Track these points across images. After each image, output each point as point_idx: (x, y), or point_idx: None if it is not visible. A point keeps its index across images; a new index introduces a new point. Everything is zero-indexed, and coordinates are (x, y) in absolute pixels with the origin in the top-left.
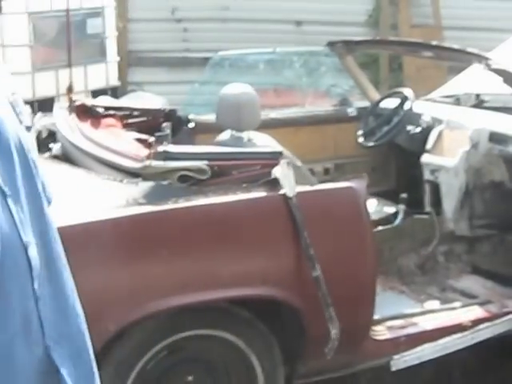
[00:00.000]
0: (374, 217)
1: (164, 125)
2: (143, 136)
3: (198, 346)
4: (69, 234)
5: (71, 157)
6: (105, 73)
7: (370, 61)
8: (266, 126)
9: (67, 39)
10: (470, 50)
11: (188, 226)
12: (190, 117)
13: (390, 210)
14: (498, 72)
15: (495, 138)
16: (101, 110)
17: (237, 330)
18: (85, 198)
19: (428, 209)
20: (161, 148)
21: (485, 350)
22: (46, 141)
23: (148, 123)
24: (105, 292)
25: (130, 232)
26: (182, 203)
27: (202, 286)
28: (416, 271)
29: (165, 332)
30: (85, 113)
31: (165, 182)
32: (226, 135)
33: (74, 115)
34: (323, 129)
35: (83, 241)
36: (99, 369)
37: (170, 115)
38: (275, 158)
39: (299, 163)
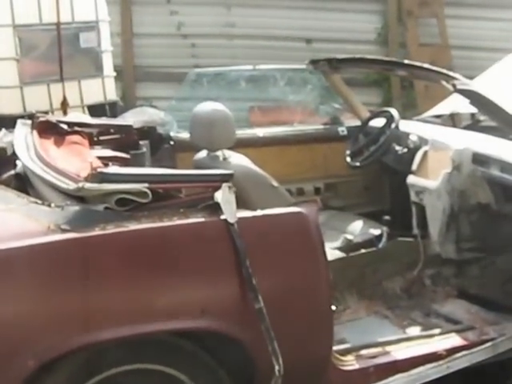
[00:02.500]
0: (357, 239)
1: (141, 142)
2: (117, 154)
3: (137, 381)
4: None
5: (28, 176)
6: (101, 87)
7: (382, 79)
8: (253, 144)
9: (58, 53)
10: (437, 68)
11: (117, 253)
12: (172, 135)
13: (375, 232)
14: (464, 93)
15: (478, 159)
16: (65, 127)
17: (179, 364)
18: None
19: (415, 231)
20: (99, 169)
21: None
22: (11, 158)
23: (122, 140)
24: (23, 324)
25: (49, 260)
26: (110, 229)
27: (134, 318)
28: (401, 295)
29: (96, 367)
30: (49, 130)
31: (97, 207)
32: (202, 154)
33: (35, 132)
34: (313, 147)
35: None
36: None
37: (149, 132)
38: (224, 180)
39: (275, 183)
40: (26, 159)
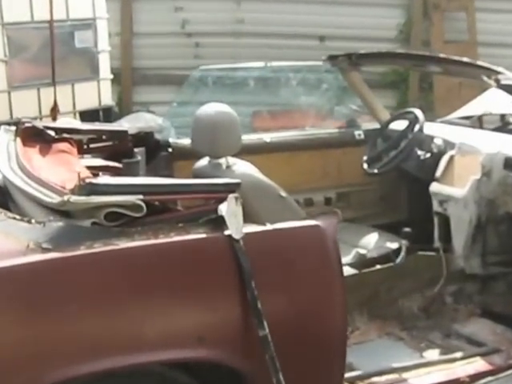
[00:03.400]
0: (372, 254)
1: (137, 150)
2: (109, 163)
3: None
4: None
5: (8, 188)
6: (96, 92)
7: (399, 80)
8: (260, 150)
9: (51, 54)
10: (478, 62)
11: (104, 275)
12: (170, 141)
13: (393, 245)
14: (508, 89)
15: (511, 164)
16: (52, 134)
17: None
18: None
19: (437, 244)
20: (88, 179)
21: None
22: None
23: (115, 148)
24: None
25: (26, 283)
26: (97, 248)
27: (123, 348)
28: (419, 314)
29: None
30: (35, 137)
31: (83, 222)
32: (203, 162)
33: (18, 139)
34: (326, 153)
35: None
36: None
37: (145, 139)
38: (231, 190)
39: (283, 194)
40: (6, 170)
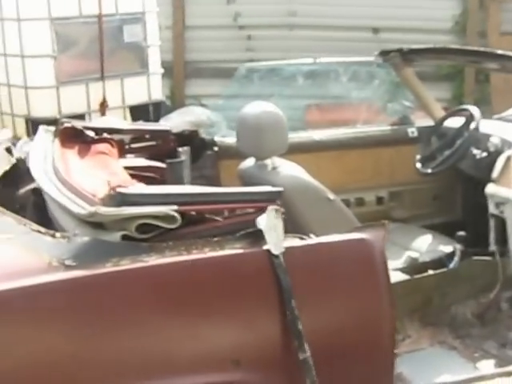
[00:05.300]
0: (424, 258)
1: (181, 149)
2: (151, 163)
3: None
4: None
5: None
6: (146, 86)
7: (454, 72)
8: (308, 148)
9: (100, 48)
10: None
11: (132, 295)
12: (216, 139)
13: (446, 249)
14: None
15: None
16: (92, 134)
17: None
18: None
19: (493, 248)
20: (118, 189)
21: None
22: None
23: (159, 147)
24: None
25: (46, 305)
26: (125, 265)
27: (151, 372)
28: (473, 322)
29: None
30: (74, 137)
31: (111, 236)
32: (249, 162)
33: (57, 140)
34: (378, 152)
35: None
36: None
37: (190, 138)
38: (271, 200)
39: (332, 196)
40: (39, 174)
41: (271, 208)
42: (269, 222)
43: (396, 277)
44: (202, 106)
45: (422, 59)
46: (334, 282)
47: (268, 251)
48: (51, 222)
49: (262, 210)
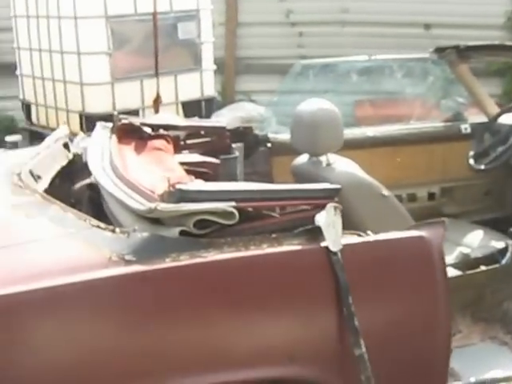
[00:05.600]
0: (476, 253)
1: (235, 145)
2: (206, 159)
3: None
4: (21, 303)
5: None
6: (199, 82)
7: (505, 68)
8: (361, 145)
9: (154, 46)
10: None
11: (191, 289)
12: (270, 136)
13: (498, 245)
14: None
15: None
16: (148, 130)
17: None
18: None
19: None
20: (178, 185)
21: None
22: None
23: (213, 144)
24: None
25: (106, 299)
26: (184, 260)
27: (209, 366)
28: None
29: None
30: (130, 133)
31: (169, 231)
32: (303, 159)
33: (114, 137)
34: (431, 148)
35: (44, 310)
36: None
37: (244, 134)
38: (330, 197)
39: (386, 192)
40: (97, 170)
41: (330, 205)
42: (328, 219)
43: (449, 273)
44: (252, 101)
45: (478, 56)
46: (391, 280)
47: (326, 248)
48: (106, 216)
49: (319, 207)
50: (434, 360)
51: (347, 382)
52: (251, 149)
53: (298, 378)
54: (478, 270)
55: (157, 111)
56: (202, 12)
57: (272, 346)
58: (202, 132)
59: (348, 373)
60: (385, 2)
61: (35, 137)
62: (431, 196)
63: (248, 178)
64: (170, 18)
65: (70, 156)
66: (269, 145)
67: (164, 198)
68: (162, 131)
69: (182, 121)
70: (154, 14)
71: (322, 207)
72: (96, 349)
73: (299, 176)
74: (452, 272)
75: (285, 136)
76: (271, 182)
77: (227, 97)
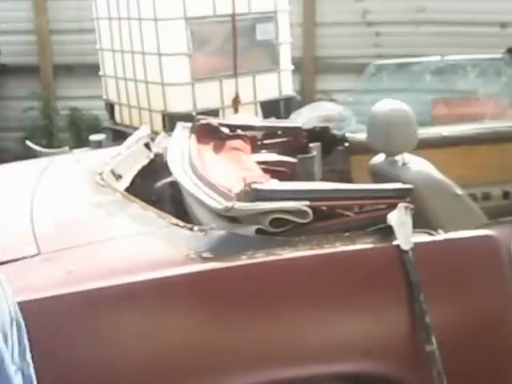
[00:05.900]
0: None
1: (311, 145)
2: (283, 158)
3: None
4: (103, 298)
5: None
6: (277, 82)
7: None
8: (436, 144)
9: (233, 46)
10: None
11: (266, 286)
12: (347, 135)
13: None
14: None
15: None
16: (226, 131)
17: None
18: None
19: None
20: (254, 185)
21: None
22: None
23: (290, 143)
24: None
25: (184, 295)
26: (260, 258)
27: (286, 360)
28: None
29: None
30: (209, 134)
31: (246, 230)
32: (379, 158)
33: (193, 137)
34: (504, 147)
35: (124, 305)
36: None
37: (321, 134)
38: (402, 197)
39: (459, 191)
40: (178, 170)
41: (401, 205)
42: (399, 218)
43: None
44: (332, 100)
45: None
46: (459, 277)
47: (397, 246)
48: (187, 214)
49: (391, 207)
50: (503, 358)
51: (419, 378)
52: (329, 148)
53: (372, 372)
54: None
55: (236, 111)
56: (279, 13)
57: (346, 341)
58: (279, 132)
59: (420, 368)
60: (461, 0)
61: (118, 135)
62: (506, 195)
63: (326, 176)
64: (249, 19)
65: (151, 155)
66: (346, 144)
67: (240, 197)
68: (239, 131)
69: (258, 121)
70: (233, 16)
71: (395, 206)
72: (174, 343)
73: (376, 175)
74: None
75: (362, 135)
76: (350, 181)
77: (307, 96)
